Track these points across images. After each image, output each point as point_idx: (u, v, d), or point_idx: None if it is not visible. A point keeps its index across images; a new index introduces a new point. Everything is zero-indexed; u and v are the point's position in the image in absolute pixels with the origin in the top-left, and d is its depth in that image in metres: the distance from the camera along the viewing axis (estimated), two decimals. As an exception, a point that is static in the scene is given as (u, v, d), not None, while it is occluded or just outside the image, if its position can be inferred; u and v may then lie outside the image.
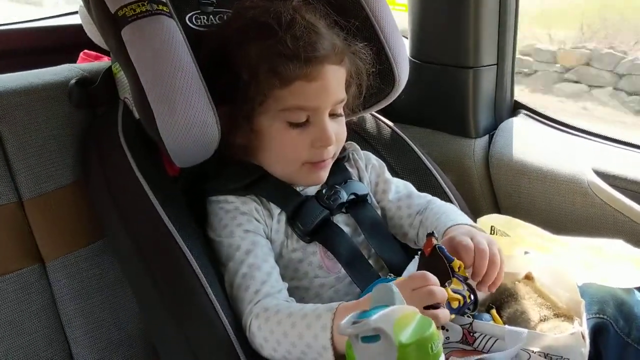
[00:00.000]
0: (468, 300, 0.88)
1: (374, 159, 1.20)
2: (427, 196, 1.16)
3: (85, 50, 1.48)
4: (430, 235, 0.91)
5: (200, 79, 0.95)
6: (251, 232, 0.98)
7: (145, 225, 0.98)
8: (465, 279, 0.90)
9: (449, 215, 1.07)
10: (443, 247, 0.90)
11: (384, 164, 1.19)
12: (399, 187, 1.17)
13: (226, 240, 0.98)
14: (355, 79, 1.08)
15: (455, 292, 0.86)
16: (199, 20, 1.11)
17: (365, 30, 1.13)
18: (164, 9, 0.95)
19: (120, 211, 1.01)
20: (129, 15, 0.92)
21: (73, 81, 1.08)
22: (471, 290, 0.89)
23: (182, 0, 1.08)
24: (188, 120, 0.92)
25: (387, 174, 1.18)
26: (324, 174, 1.05)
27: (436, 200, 1.15)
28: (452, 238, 0.94)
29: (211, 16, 1.12)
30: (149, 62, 0.92)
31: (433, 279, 0.83)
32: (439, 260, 0.88)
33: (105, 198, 1.04)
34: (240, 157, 1.05)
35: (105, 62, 1.29)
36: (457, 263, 0.89)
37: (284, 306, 0.90)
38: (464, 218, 1.08)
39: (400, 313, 0.64)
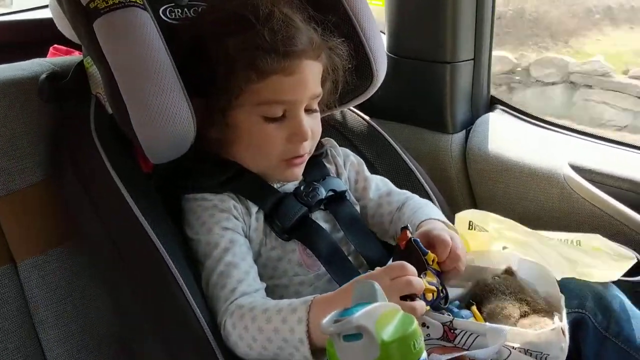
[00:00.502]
0: (441, 294, 0.89)
1: (352, 155, 1.19)
2: (406, 193, 1.16)
3: (55, 45, 1.44)
4: (405, 228, 0.92)
5: (175, 73, 0.93)
6: (230, 230, 0.96)
7: (119, 223, 0.96)
8: (439, 272, 0.91)
9: (424, 210, 1.08)
10: (418, 240, 0.91)
11: (362, 161, 1.19)
12: (379, 185, 1.16)
13: (204, 238, 0.96)
14: (331, 75, 1.07)
15: (429, 284, 0.87)
16: (172, 14, 1.09)
17: (343, 26, 1.12)
18: (138, 1, 0.93)
19: (93, 209, 0.98)
20: (101, 7, 0.90)
21: (43, 76, 1.05)
22: (442, 284, 0.90)
23: None
24: (162, 115, 0.91)
25: (367, 171, 1.18)
26: (300, 170, 1.04)
27: (414, 197, 1.15)
28: (429, 231, 0.95)
29: (186, 9, 1.10)
30: (122, 55, 0.90)
31: (411, 269, 0.84)
32: (414, 252, 0.89)
33: (77, 196, 1.01)
34: (215, 152, 1.04)
35: (76, 56, 1.25)
36: (431, 256, 0.91)
37: (259, 302, 0.90)
38: (439, 214, 1.10)
39: (382, 310, 0.64)
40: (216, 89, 0.97)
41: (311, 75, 0.99)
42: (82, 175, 1.00)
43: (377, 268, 0.87)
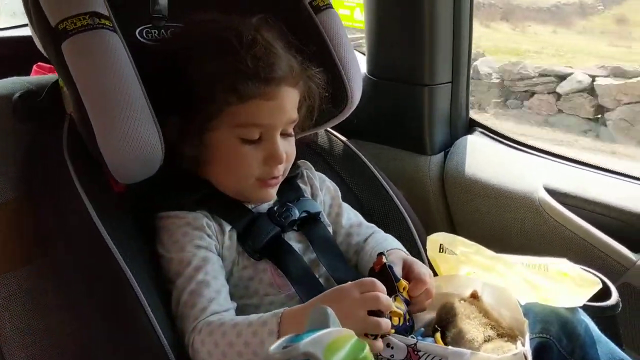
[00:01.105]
0: (407, 323, 0.90)
1: (329, 182, 1.20)
2: (374, 227, 1.18)
3: (39, 63, 1.45)
4: (381, 254, 0.94)
5: (144, 96, 0.94)
6: (203, 248, 0.96)
7: (85, 245, 0.95)
8: (407, 301, 0.91)
9: (388, 242, 1.12)
10: (392, 266, 0.92)
11: (338, 189, 1.20)
12: (350, 215, 1.18)
13: (176, 256, 0.96)
14: (307, 101, 1.08)
15: (397, 308, 0.88)
16: (149, 34, 1.09)
17: (319, 50, 1.13)
18: (107, 23, 0.93)
19: (61, 229, 0.98)
20: (69, 29, 0.90)
21: (17, 95, 1.05)
22: (409, 314, 0.91)
23: (133, 13, 1.07)
24: (129, 138, 0.91)
25: (341, 200, 1.19)
26: (273, 192, 1.05)
27: (380, 231, 1.18)
28: (413, 263, 1.00)
29: (163, 30, 1.11)
30: (89, 77, 0.90)
31: (381, 287, 0.86)
32: (387, 277, 0.91)
33: (47, 215, 1.01)
34: (190, 171, 1.04)
35: (53, 75, 1.26)
36: (402, 284, 0.92)
37: (228, 318, 0.90)
38: (401, 247, 1.13)
39: (332, 337, 0.63)
40: (194, 109, 0.97)
41: (289, 101, 1.00)
42: (52, 195, 1.00)
43: (349, 282, 0.88)
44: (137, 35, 1.08)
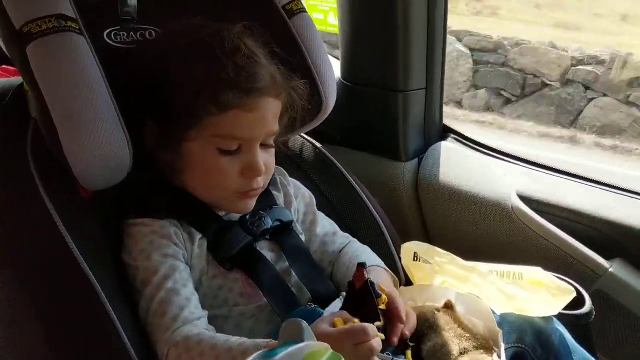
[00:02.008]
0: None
1: (304, 189, 1.18)
2: (349, 237, 1.16)
3: (4, 66, 1.41)
4: (362, 266, 0.91)
5: (112, 101, 0.91)
6: (170, 257, 0.94)
7: (50, 253, 0.92)
8: (384, 312, 0.90)
9: (368, 257, 1.09)
10: (374, 283, 0.90)
11: (313, 197, 1.18)
12: (325, 224, 1.16)
13: (143, 265, 0.93)
14: (289, 112, 1.06)
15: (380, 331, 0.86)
16: (118, 37, 1.06)
17: (293, 55, 1.11)
18: (73, 25, 0.90)
19: (26, 238, 0.95)
20: (34, 31, 0.87)
21: None
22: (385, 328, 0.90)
23: (100, 15, 1.03)
24: (95, 143, 0.88)
25: (316, 209, 1.17)
26: (252, 203, 1.02)
27: (355, 241, 1.16)
28: (394, 299, 0.94)
29: (132, 33, 1.08)
30: (54, 81, 0.88)
31: (373, 331, 0.82)
32: (369, 297, 0.88)
33: (10, 222, 0.97)
34: (164, 177, 1.01)
35: (19, 78, 1.22)
36: (382, 299, 0.90)
37: (207, 337, 0.87)
38: (378, 261, 1.11)
39: (308, 351, 0.62)
40: (172, 116, 0.94)
41: (270, 113, 0.98)
42: (16, 202, 0.97)
43: (339, 327, 0.84)
44: (106, 38, 1.04)
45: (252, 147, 0.96)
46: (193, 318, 0.90)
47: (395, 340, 0.91)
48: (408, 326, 0.93)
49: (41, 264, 0.94)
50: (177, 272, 0.93)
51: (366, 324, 0.83)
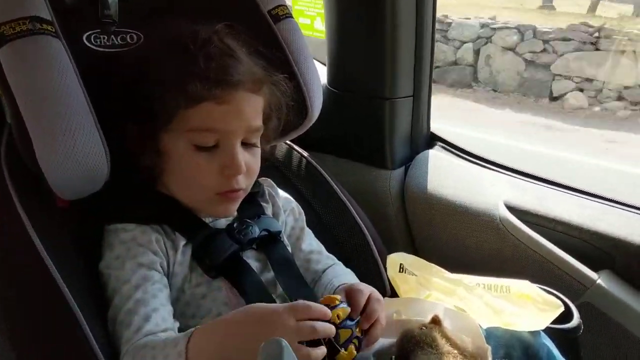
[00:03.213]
0: (359, 335, 0.88)
1: (295, 204, 1.16)
2: (334, 259, 1.14)
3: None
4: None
5: (89, 106, 0.88)
6: (144, 267, 0.92)
7: (23, 264, 0.89)
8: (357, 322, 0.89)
9: (346, 277, 1.08)
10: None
11: (303, 213, 1.16)
12: (312, 242, 1.14)
13: (115, 273, 0.91)
14: (275, 112, 1.04)
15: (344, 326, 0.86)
16: (98, 40, 1.04)
17: (279, 61, 1.09)
18: (49, 28, 0.88)
19: None
20: (7, 34, 0.84)
21: None
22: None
23: (80, 18, 1.01)
24: (70, 151, 0.86)
25: (304, 224, 1.15)
26: (234, 207, 1.00)
27: (340, 264, 1.14)
28: (350, 285, 0.95)
29: (112, 36, 1.05)
30: (27, 86, 0.85)
31: (317, 310, 0.82)
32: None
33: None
34: (147, 182, 0.99)
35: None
36: (343, 311, 0.88)
37: (157, 340, 0.85)
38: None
39: (288, 372, 0.59)
40: (149, 114, 0.93)
41: (248, 108, 0.95)
42: None
43: (281, 305, 0.83)
44: (85, 41, 1.02)
45: (230, 144, 0.94)
46: (157, 330, 0.87)
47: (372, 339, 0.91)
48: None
49: (15, 277, 0.91)
50: (149, 282, 0.91)
51: (310, 303, 0.82)
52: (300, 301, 0.83)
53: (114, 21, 1.05)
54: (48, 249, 0.88)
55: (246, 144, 0.97)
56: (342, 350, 0.85)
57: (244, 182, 0.98)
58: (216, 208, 0.99)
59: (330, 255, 1.15)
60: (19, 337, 0.91)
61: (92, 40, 1.03)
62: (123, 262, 0.91)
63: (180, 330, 0.90)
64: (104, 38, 1.04)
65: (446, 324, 0.91)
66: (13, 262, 0.91)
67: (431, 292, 0.98)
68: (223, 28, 0.98)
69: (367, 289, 0.94)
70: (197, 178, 0.95)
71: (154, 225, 0.96)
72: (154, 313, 0.88)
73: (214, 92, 0.90)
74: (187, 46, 0.92)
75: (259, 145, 1.01)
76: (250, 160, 0.97)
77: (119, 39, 1.06)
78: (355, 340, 0.87)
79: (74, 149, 0.86)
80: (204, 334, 0.83)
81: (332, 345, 0.84)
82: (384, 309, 0.94)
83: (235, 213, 1.03)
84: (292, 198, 1.17)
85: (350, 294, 0.93)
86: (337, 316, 0.85)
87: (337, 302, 0.88)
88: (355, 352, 0.86)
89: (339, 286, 1.01)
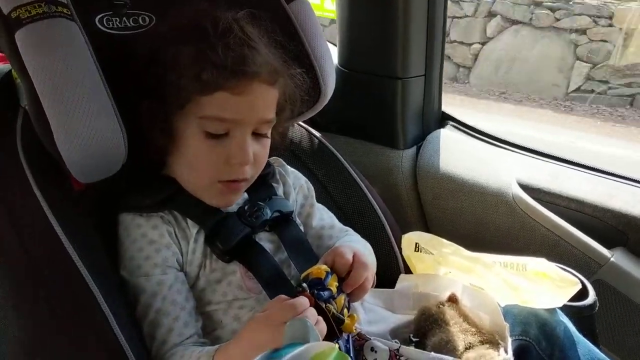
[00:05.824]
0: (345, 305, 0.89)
1: (304, 180, 1.16)
2: (348, 230, 1.14)
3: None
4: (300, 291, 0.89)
5: (105, 88, 0.88)
6: (159, 268, 0.93)
7: (42, 248, 0.89)
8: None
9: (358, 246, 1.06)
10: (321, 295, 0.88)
11: (313, 189, 1.16)
12: (324, 216, 1.14)
13: (132, 280, 0.93)
14: (289, 104, 1.03)
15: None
16: (110, 23, 1.03)
17: (291, 45, 1.08)
18: (64, 10, 0.87)
19: (15, 232, 0.91)
20: (23, 17, 0.84)
21: None
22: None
23: (91, 0, 1.00)
24: (88, 133, 0.85)
25: (314, 200, 1.15)
26: (235, 198, 1.00)
27: (352, 233, 1.13)
28: (333, 249, 0.97)
29: (125, 18, 1.04)
30: (45, 69, 0.84)
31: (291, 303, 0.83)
32: (322, 313, 0.86)
33: (0, 216, 0.94)
34: (156, 167, 0.99)
35: (7, 65, 1.18)
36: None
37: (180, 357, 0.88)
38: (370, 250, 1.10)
39: (314, 351, 0.60)
40: (164, 94, 0.92)
41: (262, 100, 0.94)
42: (6, 194, 0.93)
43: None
44: (97, 24, 1.01)
45: (242, 134, 0.93)
46: (181, 340, 0.90)
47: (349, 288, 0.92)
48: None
49: (31, 258, 0.91)
50: (165, 287, 0.92)
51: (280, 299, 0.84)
52: (272, 301, 0.86)
53: (126, 3, 1.04)
54: (65, 230, 0.88)
55: (256, 134, 0.96)
56: (346, 319, 0.86)
57: (250, 172, 0.97)
58: (217, 198, 0.98)
59: (344, 227, 1.14)
60: (39, 317, 0.92)
61: (105, 22, 1.02)
62: (138, 264, 0.93)
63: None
64: (116, 20, 1.03)
65: (464, 301, 0.91)
66: (30, 243, 0.91)
67: (449, 269, 0.98)
68: (245, 16, 0.96)
69: (349, 251, 0.94)
70: (203, 164, 0.95)
71: (165, 214, 0.96)
72: (175, 323, 0.90)
73: (230, 82, 0.90)
74: (206, 32, 0.91)
75: (269, 136, 1.01)
76: (259, 151, 0.97)
77: (131, 21, 1.05)
78: (347, 303, 0.89)
79: (91, 129, 0.86)
80: (226, 350, 0.84)
81: (335, 318, 0.85)
82: (370, 270, 0.95)
83: (246, 196, 1.03)
84: (300, 175, 1.16)
85: (333, 260, 0.94)
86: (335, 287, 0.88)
87: (325, 273, 0.89)
88: (355, 316, 0.88)
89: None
